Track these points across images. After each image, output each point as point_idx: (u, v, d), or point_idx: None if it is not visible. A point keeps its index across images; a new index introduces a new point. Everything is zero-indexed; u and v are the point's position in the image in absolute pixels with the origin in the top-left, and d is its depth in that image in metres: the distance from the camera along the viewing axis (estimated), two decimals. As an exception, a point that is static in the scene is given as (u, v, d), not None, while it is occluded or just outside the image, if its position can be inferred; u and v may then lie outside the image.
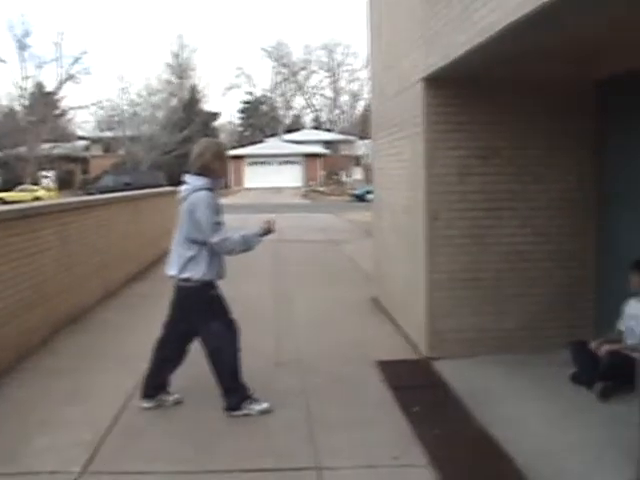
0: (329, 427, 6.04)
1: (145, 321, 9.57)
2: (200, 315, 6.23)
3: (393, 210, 9.89)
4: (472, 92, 7.83)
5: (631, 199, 7.48)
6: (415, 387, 7.10)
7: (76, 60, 63.06)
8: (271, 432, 5.97)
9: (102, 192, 31.14)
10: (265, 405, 6.32)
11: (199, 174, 6.18)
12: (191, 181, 6.19)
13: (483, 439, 5.77)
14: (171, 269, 6.24)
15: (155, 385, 6.52)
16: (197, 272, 6.09)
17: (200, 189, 6.09)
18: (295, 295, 12.06)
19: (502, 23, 5.29)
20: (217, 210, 6.09)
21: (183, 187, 6.25)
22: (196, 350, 6.47)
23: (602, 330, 7.50)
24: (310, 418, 6.24)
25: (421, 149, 7.89)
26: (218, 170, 6.29)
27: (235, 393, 6.31)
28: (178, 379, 6.67)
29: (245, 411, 6.27)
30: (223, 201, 6.53)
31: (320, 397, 6.78)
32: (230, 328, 6.31)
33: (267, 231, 6.27)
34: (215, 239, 5.99)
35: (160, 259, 16.21)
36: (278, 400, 6.54)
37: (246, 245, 6.17)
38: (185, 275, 6.13)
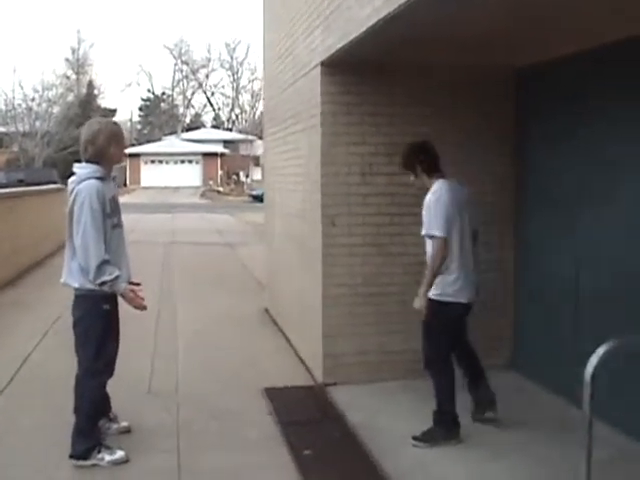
0: (201, 478, 5.03)
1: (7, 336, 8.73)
2: (84, 329, 5.06)
3: (286, 213, 8.85)
4: (377, 79, 6.88)
5: (553, 203, 6.65)
6: (307, 422, 6.08)
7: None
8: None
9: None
10: (119, 454, 5.14)
11: (90, 161, 5.03)
12: (78, 170, 5.04)
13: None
14: (63, 276, 5.15)
15: None
16: (87, 280, 4.96)
17: (87, 178, 4.94)
18: (182, 305, 11.02)
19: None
20: (102, 203, 4.91)
21: (70, 179, 5.09)
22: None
23: (522, 350, 6.61)
24: (180, 466, 5.16)
25: (318, 144, 6.87)
26: (114, 155, 5.13)
27: (85, 437, 5.14)
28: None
29: (94, 461, 5.09)
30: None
31: (195, 437, 5.71)
32: (110, 353, 5.20)
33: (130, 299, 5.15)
34: (78, 242, 4.88)
35: (39, 263, 14.92)
36: (144, 441, 5.54)
37: (109, 284, 4.95)
38: (75, 284, 5.04)
